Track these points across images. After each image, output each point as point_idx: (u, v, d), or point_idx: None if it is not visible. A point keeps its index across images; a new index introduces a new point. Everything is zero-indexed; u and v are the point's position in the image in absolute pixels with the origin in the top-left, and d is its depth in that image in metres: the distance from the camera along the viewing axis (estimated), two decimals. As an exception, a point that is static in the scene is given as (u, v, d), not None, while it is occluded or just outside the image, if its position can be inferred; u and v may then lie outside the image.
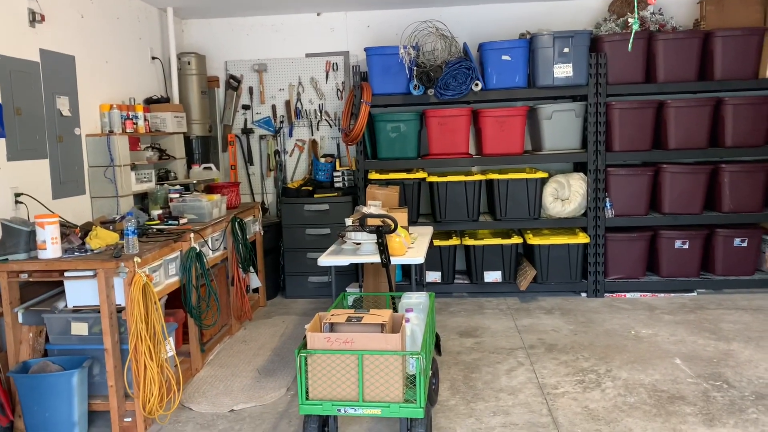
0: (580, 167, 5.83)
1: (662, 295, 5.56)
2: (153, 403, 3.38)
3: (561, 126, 5.54)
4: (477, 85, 5.42)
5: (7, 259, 3.34)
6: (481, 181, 5.65)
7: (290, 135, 6.38)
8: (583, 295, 5.67)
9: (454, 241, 5.67)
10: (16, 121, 3.78)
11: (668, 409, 3.43)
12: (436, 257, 5.70)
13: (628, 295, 5.59)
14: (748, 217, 5.55)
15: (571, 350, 4.35)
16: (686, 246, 5.56)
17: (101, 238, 3.54)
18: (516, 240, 5.62)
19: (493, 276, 5.67)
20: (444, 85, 5.41)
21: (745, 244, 5.57)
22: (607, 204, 5.56)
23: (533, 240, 5.54)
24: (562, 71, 5.38)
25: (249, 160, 6.41)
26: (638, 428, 3.23)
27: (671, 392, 3.63)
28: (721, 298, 5.42)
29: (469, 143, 5.79)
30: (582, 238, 5.53)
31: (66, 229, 3.61)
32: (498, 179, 5.58)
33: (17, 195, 3.72)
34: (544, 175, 5.57)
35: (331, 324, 2.95)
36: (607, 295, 5.62)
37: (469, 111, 5.62)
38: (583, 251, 5.60)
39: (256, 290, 5.71)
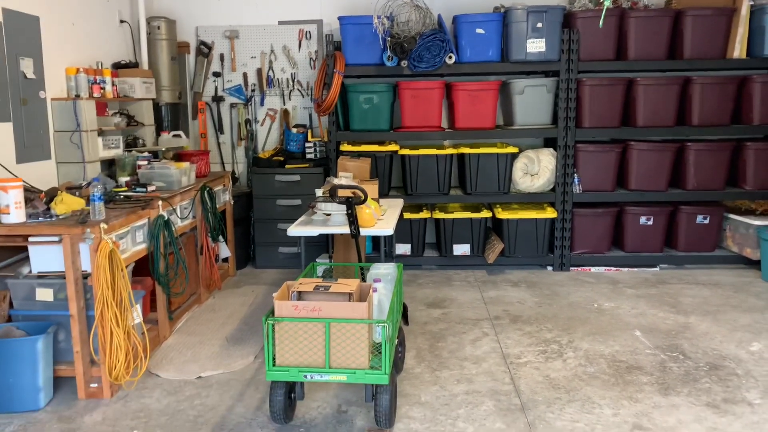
0: (550, 143, 5.89)
1: (626, 269, 5.69)
2: (119, 369, 3.38)
3: (532, 101, 5.58)
4: (450, 57, 5.41)
5: (-32, 224, 3.28)
6: (452, 155, 5.68)
7: (262, 104, 6.32)
8: (549, 268, 5.77)
9: (424, 215, 5.71)
10: (-22, 83, 3.68)
11: (626, 378, 3.54)
12: (406, 230, 5.74)
13: (593, 269, 5.71)
14: (711, 195, 5.68)
15: (535, 321, 4.44)
16: (651, 222, 5.69)
17: (67, 204, 3.49)
18: (485, 214, 5.69)
19: (461, 249, 5.74)
20: (417, 57, 5.39)
21: (707, 221, 5.71)
22: (575, 180, 5.64)
23: (502, 214, 5.61)
24: (535, 46, 5.40)
25: (219, 129, 6.34)
26: (597, 397, 3.34)
27: (630, 363, 3.74)
28: (682, 274, 5.57)
29: (442, 116, 5.80)
30: (550, 213, 5.61)
31: (30, 194, 3.55)
32: (469, 153, 5.61)
33: (-21, 158, 3.65)
34: (515, 150, 5.62)
35: (299, 292, 2.97)
36: (573, 269, 5.73)
37: (442, 84, 5.62)
38: (550, 226, 5.69)
39: (225, 260, 5.69)
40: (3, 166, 3.77)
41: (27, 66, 4.13)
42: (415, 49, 5.38)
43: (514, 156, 5.67)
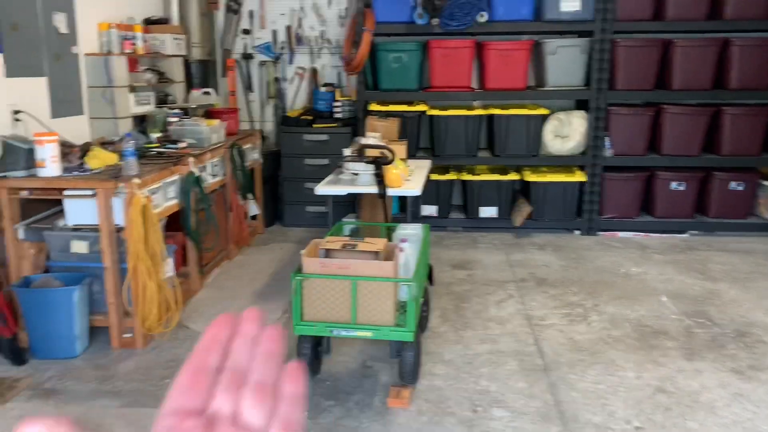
0: (581, 105, 5.79)
1: (655, 235, 5.63)
2: (152, 320, 3.48)
3: (565, 62, 5.47)
4: (483, 16, 5.31)
5: (6, 176, 3.36)
6: (481, 116, 5.62)
7: (290, 62, 6.29)
8: (577, 232, 5.74)
9: (451, 176, 5.69)
10: (13, 37, 3.72)
11: (651, 342, 3.54)
12: (433, 191, 5.72)
13: (621, 234, 5.66)
14: (746, 161, 5.55)
15: (560, 285, 4.44)
16: (682, 188, 5.59)
17: (100, 159, 3.56)
18: (513, 176, 5.64)
19: (488, 212, 5.72)
20: (449, 15, 5.30)
21: (741, 188, 5.60)
22: (607, 143, 5.55)
23: (531, 177, 5.56)
24: (570, 5, 5.27)
25: (248, 87, 6.35)
26: (620, 360, 3.35)
27: (655, 327, 3.74)
28: (712, 240, 5.49)
29: (472, 77, 5.72)
30: (579, 177, 5.55)
31: (65, 148, 3.62)
32: (499, 115, 5.54)
33: (15, 112, 3.71)
34: (546, 112, 5.54)
35: (327, 250, 3.01)
36: (601, 233, 5.68)
37: (473, 43, 5.53)
38: (579, 190, 5.63)
39: (254, 217, 5.76)
40: (39, 121, 3.84)
41: (60, 21, 4.16)
42: (446, 7, 5.28)
43: (544, 118, 5.58)
